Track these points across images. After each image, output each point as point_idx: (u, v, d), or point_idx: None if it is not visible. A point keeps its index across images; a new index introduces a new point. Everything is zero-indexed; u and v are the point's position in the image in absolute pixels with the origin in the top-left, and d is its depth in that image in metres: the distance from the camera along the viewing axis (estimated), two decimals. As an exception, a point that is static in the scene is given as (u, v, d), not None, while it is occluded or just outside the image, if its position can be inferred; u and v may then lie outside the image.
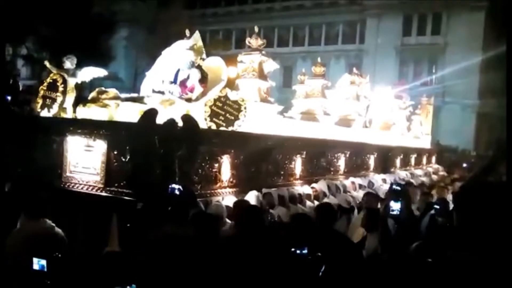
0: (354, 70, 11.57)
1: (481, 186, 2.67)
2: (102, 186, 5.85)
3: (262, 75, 7.79)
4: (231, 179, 6.55)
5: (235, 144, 6.58)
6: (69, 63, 7.04)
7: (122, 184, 5.70)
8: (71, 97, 6.90)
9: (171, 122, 5.17)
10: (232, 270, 3.86)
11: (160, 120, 5.52)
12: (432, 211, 6.82)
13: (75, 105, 6.74)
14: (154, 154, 5.18)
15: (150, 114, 5.23)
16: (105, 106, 6.22)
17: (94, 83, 8.02)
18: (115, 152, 5.77)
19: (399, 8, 39.42)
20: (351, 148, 9.91)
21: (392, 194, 6.81)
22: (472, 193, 2.57)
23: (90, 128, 5.91)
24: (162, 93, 6.96)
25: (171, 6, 43.78)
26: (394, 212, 5.75)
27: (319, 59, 10.54)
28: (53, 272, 3.53)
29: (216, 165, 6.29)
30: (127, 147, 5.58)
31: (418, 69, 39.81)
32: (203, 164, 6.03)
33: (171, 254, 3.85)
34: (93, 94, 6.45)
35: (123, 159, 5.70)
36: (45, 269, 3.51)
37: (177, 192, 5.29)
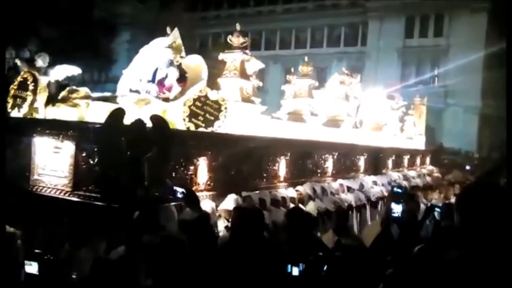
0: (343, 69, 11.30)
1: (485, 187, 2.50)
2: (70, 189, 5.63)
3: (244, 74, 7.57)
4: (208, 182, 6.31)
5: (213, 146, 6.35)
6: (41, 61, 6.82)
7: (90, 188, 5.47)
8: (42, 96, 6.67)
9: (139, 123, 4.94)
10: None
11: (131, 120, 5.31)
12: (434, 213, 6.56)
13: (48, 104, 6.52)
14: (120, 156, 4.95)
15: (116, 114, 5.01)
16: (75, 105, 6.01)
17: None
18: (83, 154, 5.55)
19: (401, 10, 39.20)
20: (339, 149, 9.67)
21: (393, 196, 6.52)
22: (476, 195, 2.46)
23: (57, 128, 5.69)
24: (139, 92, 6.75)
25: (173, 9, 43.83)
26: (396, 215, 5.63)
27: (305, 59, 10.24)
28: (45, 275, 3.46)
29: (192, 167, 6.05)
30: (95, 149, 5.37)
31: (421, 71, 39.52)
32: (177, 166, 5.78)
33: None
34: (63, 93, 6.24)
35: (91, 162, 5.48)
36: (37, 272, 3.46)
37: (179, 195, 5.15)
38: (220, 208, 6.23)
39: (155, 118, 5.06)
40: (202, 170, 6.15)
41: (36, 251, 3.55)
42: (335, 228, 5.53)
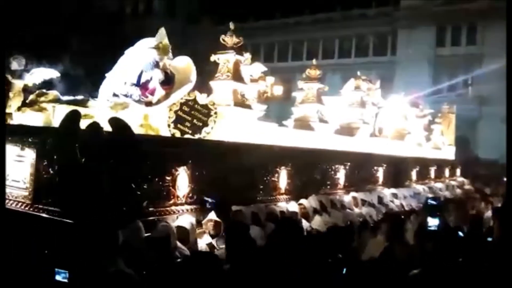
0: (358, 73, 10.48)
1: None
2: (30, 202, 5.03)
3: (237, 77, 6.87)
4: (190, 195, 5.61)
5: (195, 154, 5.65)
6: (16, 64, 6.30)
7: (49, 200, 4.86)
8: (17, 101, 6.13)
9: (93, 127, 4.28)
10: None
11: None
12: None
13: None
14: (76, 165, 4.31)
15: (70, 117, 4.37)
16: (41, 110, 5.42)
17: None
18: (44, 163, 4.94)
19: (431, 18, 38.14)
20: (352, 159, 8.83)
21: (428, 209, 6.41)
22: None
23: (18, 135, 5.11)
24: (117, 96, 6.15)
25: (200, 23, 43.76)
26: (432, 228, 5.59)
27: (313, 62, 9.48)
28: (75, 283, 3.39)
29: (169, 178, 5.36)
30: (55, 157, 4.75)
31: (453, 80, 38.29)
32: (149, 177, 5.10)
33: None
34: (31, 97, 5.68)
35: (52, 171, 4.86)
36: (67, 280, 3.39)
37: (208, 205, 5.22)
38: (205, 220, 5.55)
39: (114, 121, 4.40)
40: (181, 181, 5.46)
41: (66, 259, 3.47)
42: (387, 234, 5.41)
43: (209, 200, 5.47)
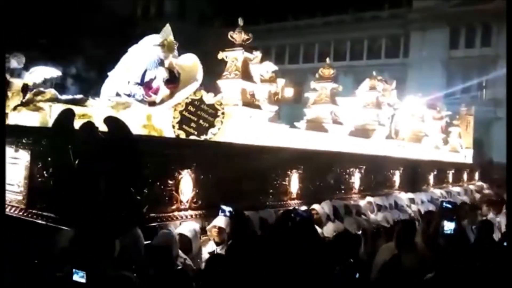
0: (374, 73, 10.07)
1: None
2: (24, 207, 4.72)
3: (246, 75, 6.51)
4: (194, 200, 5.25)
5: (200, 156, 5.29)
6: (15, 62, 6.01)
7: (44, 205, 4.54)
8: (15, 101, 5.84)
9: (86, 127, 3.94)
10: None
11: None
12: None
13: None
14: (67, 167, 3.98)
15: (62, 116, 4.04)
16: (37, 109, 5.11)
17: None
18: (39, 166, 4.63)
19: (444, 20, 37.70)
20: (368, 161, 8.42)
21: (444, 213, 6.26)
22: None
23: (12, 136, 4.80)
24: (119, 95, 5.84)
25: (212, 24, 43.59)
26: (448, 232, 5.54)
27: (327, 60, 9.09)
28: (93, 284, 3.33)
29: (172, 182, 5.01)
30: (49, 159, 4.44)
31: (467, 82, 37.77)
32: (150, 180, 4.76)
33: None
34: (28, 96, 5.37)
35: (46, 174, 4.55)
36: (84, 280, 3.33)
37: (227, 214, 4.98)
38: (209, 227, 5.19)
39: (110, 120, 4.05)
40: (185, 185, 5.10)
41: (84, 259, 3.40)
42: (397, 241, 5.22)
43: (226, 208, 5.13)
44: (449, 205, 6.57)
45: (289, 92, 15.79)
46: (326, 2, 42.35)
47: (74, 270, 3.34)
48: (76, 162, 3.93)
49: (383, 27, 41.03)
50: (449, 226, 5.56)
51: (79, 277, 3.34)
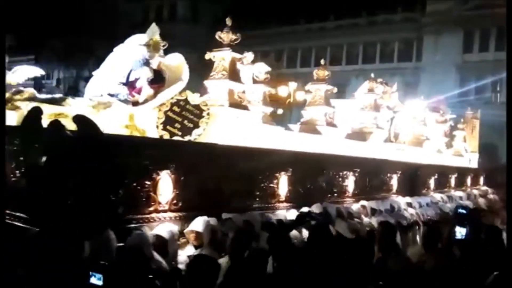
0: (372, 75, 9.91)
1: None
2: (-3, 207, 4.66)
3: (234, 75, 6.43)
4: (174, 201, 5.17)
5: (180, 157, 5.22)
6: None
7: (16, 206, 4.49)
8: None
9: (53, 125, 3.88)
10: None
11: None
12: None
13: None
14: (35, 167, 3.93)
15: (30, 115, 3.98)
16: (15, 108, 5.07)
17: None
18: (13, 165, 4.58)
19: (458, 24, 37.28)
20: (362, 165, 8.27)
21: (457, 218, 6.43)
22: None
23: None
24: (101, 95, 5.79)
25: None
26: (459, 237, 5.63)
27: (321, 62, 8.96)
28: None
29: (149, 183, 4.94)
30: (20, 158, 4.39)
31: (481, 86, 37.32)
32: (125, 181, 4.67)
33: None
34: (7, 95, 5.33)
35: (18, 174, 4.50)
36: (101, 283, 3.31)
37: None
38: (187, 230, 5.11)
39: (78, 119, 3.99)
40: (164, 186, 5.02)
41: (102, 262, 3.37)
42: (424, 243, 5.36)
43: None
44: (463, 211, 6.69)
45: (301, 96, 15.67)
46: (339, 6, 42.16)
47: (91, 272, 3.33)
48: (43, 161, 3.87)
49: (396, 31, 40.67)
50: (461, 231, 5.64)
51: (96, 279, 3.34)
